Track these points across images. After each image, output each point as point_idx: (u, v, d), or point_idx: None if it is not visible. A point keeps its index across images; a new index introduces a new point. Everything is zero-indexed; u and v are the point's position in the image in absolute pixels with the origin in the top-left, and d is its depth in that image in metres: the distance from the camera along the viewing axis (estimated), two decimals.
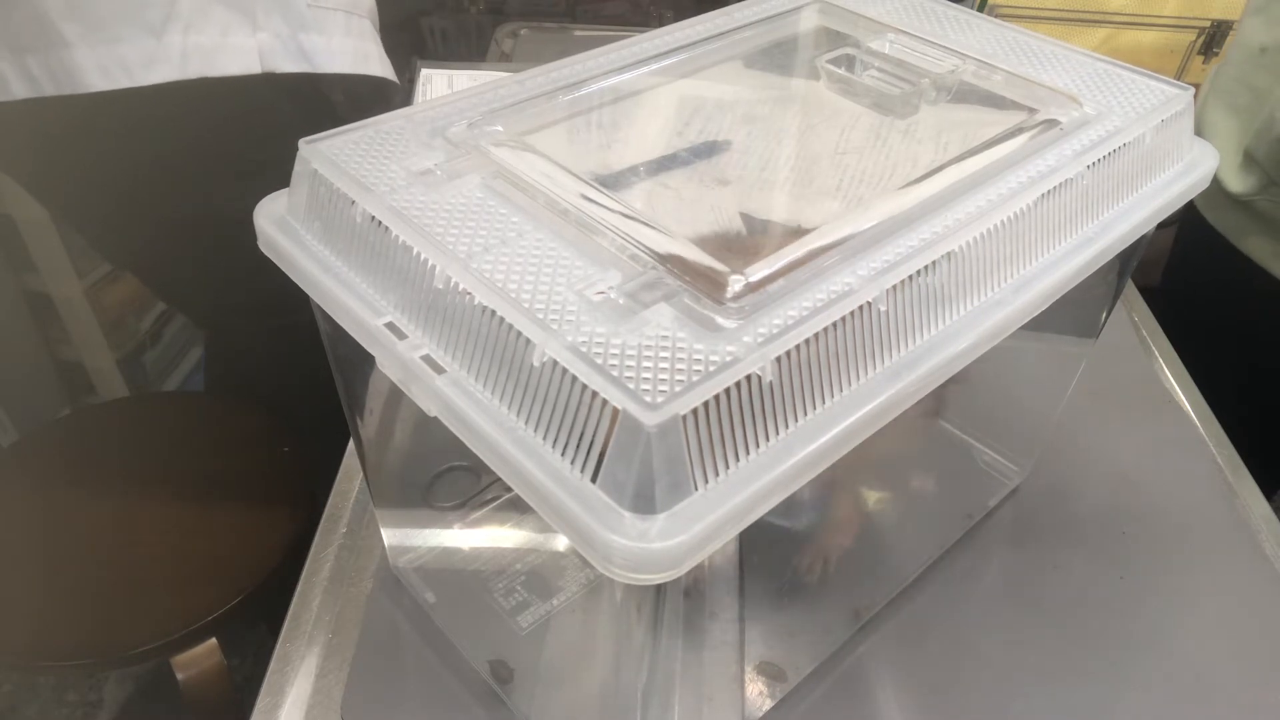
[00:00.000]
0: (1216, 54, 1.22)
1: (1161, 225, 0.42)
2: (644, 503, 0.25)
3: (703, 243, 0.33)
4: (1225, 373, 0.70)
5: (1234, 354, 0.80)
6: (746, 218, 0.36)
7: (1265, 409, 0.80)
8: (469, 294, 0.29)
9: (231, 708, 0.79)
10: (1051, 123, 0.40)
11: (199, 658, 0.76)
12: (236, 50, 0.69)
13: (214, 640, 0.76)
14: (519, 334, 0.28)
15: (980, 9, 1.14)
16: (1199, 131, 0.44)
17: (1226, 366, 0.72)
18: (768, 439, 0.28)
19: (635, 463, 0.25)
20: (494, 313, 0.28)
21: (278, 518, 0.81)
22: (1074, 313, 0.51)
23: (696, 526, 0.25)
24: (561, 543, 0.52)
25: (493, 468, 0.28)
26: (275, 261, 0.36)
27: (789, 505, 0.29)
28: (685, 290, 0.30)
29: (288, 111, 0.76)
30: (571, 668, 0.49)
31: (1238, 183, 0.77)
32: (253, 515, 0.82)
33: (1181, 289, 0.89)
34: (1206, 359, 0.71)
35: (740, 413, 0.27)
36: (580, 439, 0.26)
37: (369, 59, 0.79)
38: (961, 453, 0.59)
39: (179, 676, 0.76)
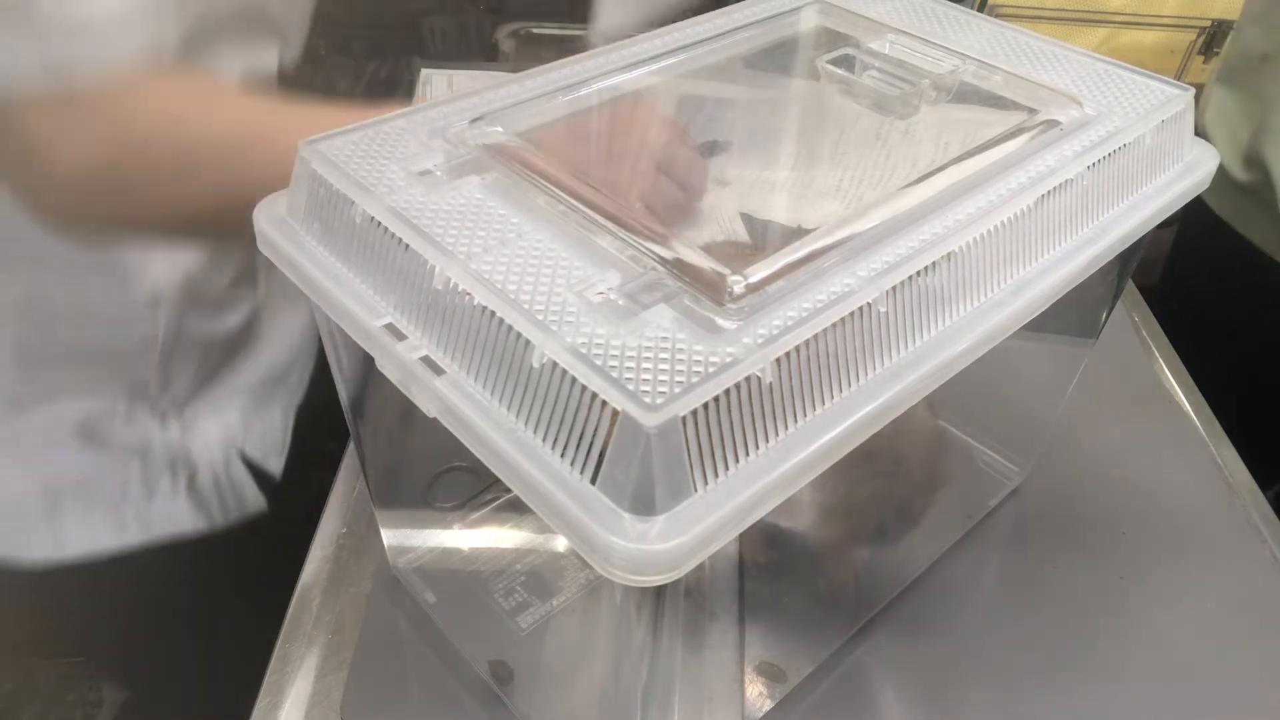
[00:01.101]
0: (1217, 53, 1.22)
1: (1162, 225, 0.42)
2: (644, 504, 0.25)
3: (702, 243, 0.33)
4: (1224, 371, 0.70)
5: (1233, 353, 0.80)
6: (746, 218, 0.36)
7: (1264, 407, 0.79)
8: (469, 295, 0.29)
9: None
10: (1052, 123, 0.40)
11: None
12: None
13: None
14: (519, 335, 0.28)
15: (980, 9, 1.14)
16: (1200, 137, 0.44)
17: (1225, 364, 0.72)
18: (768, 440, 0.28)
19: (635, 464, 0.25)
20: (494, 314, 0.28)
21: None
22: (1074, 313, 0.51)
23: (696, 528, 0.25)
24: (561, 543, 0.52)
25: (492, 469, 0.28)
26: (275, 262, 0.36)
27: (789, 506, 0.29)
28: (685, 291, 0.29)
29: None
30: (571, 668, 0.49)
31: (1243, 174, 0.77)
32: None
33: (1182, 284, 0.89)
34: (1205, 358, 0.70)
35: (740, 414, 0.27)
36: (580, 440, 0.26)
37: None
38: (961, 453, 0.59)
39: None
